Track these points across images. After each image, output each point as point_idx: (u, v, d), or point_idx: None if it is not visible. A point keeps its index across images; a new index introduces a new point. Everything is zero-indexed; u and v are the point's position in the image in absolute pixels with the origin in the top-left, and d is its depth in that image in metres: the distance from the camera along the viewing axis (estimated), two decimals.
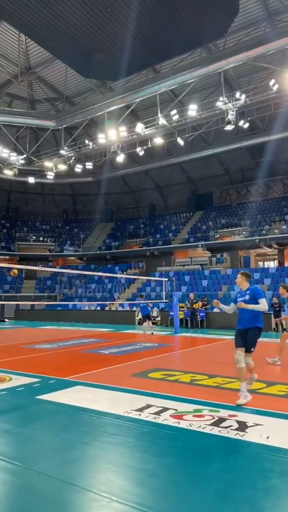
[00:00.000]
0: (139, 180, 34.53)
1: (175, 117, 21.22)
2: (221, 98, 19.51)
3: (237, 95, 19.63)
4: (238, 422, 4.33)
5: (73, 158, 25.07)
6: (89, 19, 12.43)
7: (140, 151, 23.75)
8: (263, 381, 6.21)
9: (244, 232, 26.96)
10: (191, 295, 17.77)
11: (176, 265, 28.17)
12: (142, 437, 3.97)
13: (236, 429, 4.09)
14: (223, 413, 4.65)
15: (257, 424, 4.24)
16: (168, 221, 33.41)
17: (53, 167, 25.91)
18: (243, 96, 19.67)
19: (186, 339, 13.59)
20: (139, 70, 19.25)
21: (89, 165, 25.70)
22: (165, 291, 16.00)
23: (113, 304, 23.95)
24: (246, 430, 4.05)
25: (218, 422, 4.32)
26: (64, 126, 23.12)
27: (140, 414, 4.64)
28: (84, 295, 26.98)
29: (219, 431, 4.03)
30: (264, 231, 25.92)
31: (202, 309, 17.95)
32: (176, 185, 34.47)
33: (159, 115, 20.85)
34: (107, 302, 24.36)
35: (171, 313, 17.42)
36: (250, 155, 29.42)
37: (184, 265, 27.58)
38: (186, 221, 32.54)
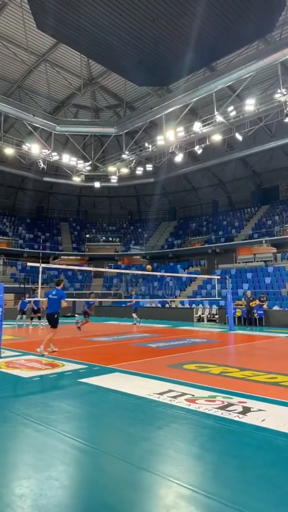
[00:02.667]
0: (201, 177, 34.55)
1: (233, 113, 21.05)
2: (278, 90, 18.97)
3: None
4: (244, 407, 4.71)
5: (134, 161, 26.15)
6: (138, 32, 13.16)
7: (198, 149, 23.95)
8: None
9: None
10: (248, 293, 17.67)
11: (239, 262, 27.82)
12: (152, 414, 4.59)
13: (238, 412, 4.50)
14: (235, 400, 5.05)
15: (260, 410, 4.59)
16: (231, 217, 32.99)
17: (116, 171, 27.27)
18: None
19: (237, 336, 13.71)
20: (189, 74, 19.57)
21: (149, 167, 26.59)
22: (217, 288, 16.12)
23: (174, 301, 24.55)
24: (247, 414, 4.44)
25: (226, 406, 4.75)
26: (125, 131, 24.30)
27: (159, 397, 5.24)
28: (147, 292, 27.98)
29: (221, 413, 4.48)
30: None
31: (261, 306, 17.70)
32: (240, 180, 33.83)
33: (216, 112, 20.90)
34: (168, 299, 25.05)
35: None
36: None
37: (246, 262, 27.11)
38: (250, 217, 31.82)
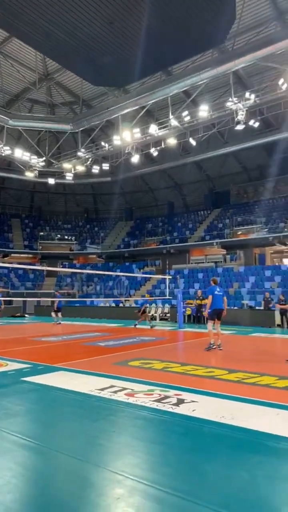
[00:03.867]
0: (157, 178, 35.13)
1: (187, 118, 21.65)
2: (230, 99, 19.82)
3: (247, 95, 19.85)
4: (178, 399, 5.00)
5: (90, 159, 26.05)
6: (94, 33, 13.21)
7: (154, 151, 24.37)
8: (225, 368, 6.81)
9: (259, 230, 27.01)
10: (199, 292, 18.29)
11: (192, 263, 28.64)
12: (91, 408, 4.74)
13: (172, 404, 4.77)
14: (171, 392, 5.32)
15: (193, 401, 4.89)
16: (186, 219, 33.87)
17: (71, 168, 27.00)
18: (253, 96, 19.86)
19: (185, 333, 14.21)
20: (144, 77, 19.87)
21: (105, 166, 26.59)
22: (169, 288, 16.60)
23: (128, 300, 24.79)
24: (180, 405, 4.72)
25: (162, 399, 5.01)
26: (81, 129, 24.13)
27: (100, 392, 5.39)
28: (101, 292, 28.00)
29: (157, 405, 4.73)
30: (278, 229, 25.89)
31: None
32: (194, 183, 34.80)
33: (171, 116, 21.38)
34: (123, 299, 25.25)
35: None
36: (266, 152, 29.33)
37: (198, 263, 27.99)
38: (203, 219, 32.86)
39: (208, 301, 9.63)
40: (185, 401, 4.92)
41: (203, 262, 27.99)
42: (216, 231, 29.34)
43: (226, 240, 27.53)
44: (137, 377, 6.32)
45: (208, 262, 27.88)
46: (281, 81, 18.66)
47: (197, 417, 4.27)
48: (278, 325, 16.58)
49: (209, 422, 4.12)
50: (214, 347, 9.44)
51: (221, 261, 27.32)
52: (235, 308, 19.30)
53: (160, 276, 22.31)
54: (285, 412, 4.42)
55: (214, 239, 28.25)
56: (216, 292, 9.44)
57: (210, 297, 9.44)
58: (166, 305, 21.64)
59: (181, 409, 4.57)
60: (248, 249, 27.37)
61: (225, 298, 9.71)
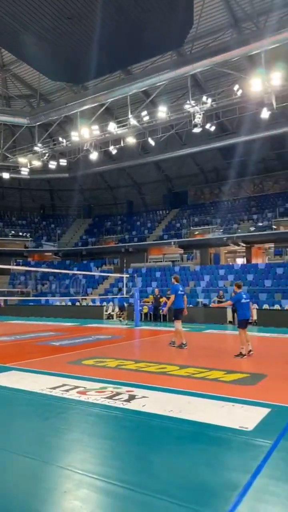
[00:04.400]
0: (117, 177, 35.11)
1: (146, 118, 21.84)
2: (188, 102, 20.27)
3: (204, 98, 20.39)
4: (130, 395, 5.12)
5: (47, 154, 25.50)
6: (51, 26, 12.98)
7: (113, 149, 24.34)
8: (177, 365, 7.03)
9: (215, 230, 27.86)
10: (156, 291, 18.56)
11: (150, 262, 28.96)
12: (42, 407, 4.73)
13: (124, 400, 4.88)
14: (123, 389, 5.43)
15: (144, 397, 5.03)
16: (144, 218, 34.15)
17: (27, 163, 26.28)
18: (210, 100, 20.44)
19: (141, 331, 14.40)
20: (103, 75, 19.81)
21: (63, 162, 26.15)
22: (127, 287, 16.72)
23: (85, 299, 24.61)
24: (131, 401, 4.84)
25: (114, 396, 5.10)
26: (38, 123, 23.54)
27: (51, 391, 5.38)
28: (57, 290, 27.54)
29: (108, 402, 4.81)
30: (232, 230, 26.89)
31: (166, 303, 18.74)
32: (153, 183, 35.17)
33: (130, 115, 21.46)
34: (79, 297, 25.02)
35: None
36: (222, 155, 30.30)
37: (156, 262, 28.38)
38: (161, 219, 33.32)
39: (170, 300, 9.55)
40: (136, 397, 5.04)
41: (161, 261, 28.42)
42: (174, 231, 29.87)
43: (183, 239, 28.12)
44: (90, 375, 6.37)
45: (165, 261, 28.34)
46: (236, 87, 19.35)
47: (147, 412, 4.41)
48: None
49: (158, 416, 4.27)
50: (186, 347, 9.32)
51: (178, 260, 27.88)
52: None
53: (118, 275, 22.37)
54: (229, 404, 4.67)
55: (172, 238, 28.75)
56: (179, 292, 9.44)
57: (173, 296, 9.37)
58: (124, 303, 21.71)
59: (132, 405, 4.69)
60: (204, 248, 28.15)
61: (185, 297, 9.73)
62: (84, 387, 5.56)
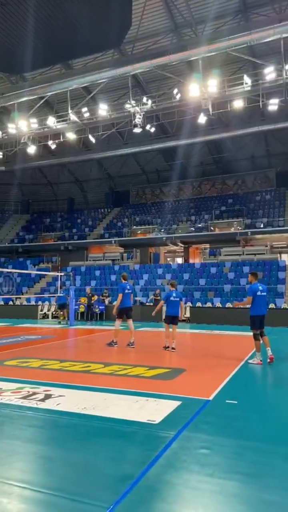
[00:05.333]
0: (57, 172, 34.30)
1: (86, 115, 21.59)
2: (128, 101, 20.40)
3: (144, 99, 20.65)
4: (46, 394, 5.05)
5: None
6: None
7: (52, 144, 23.74)
8: (102, 362, 7.07)
9: (156, 230, 28.33)
10: (88, 289, 18.40)
11: (89, 260, 28.69)
12: None
13: (39, 400, 4.80)
14: (41, 389, 5.33)
15: (60, 396, 5.00)
16: (86, 216, 33.75)
17: None
18: (150, 101, 20.76)
19: (75, 331, 14.24)
20: (41, 67, 19.32)
21: None
22: (63, 285, 16.42)
23: (19, 298, 23.73)
24: (46, 400, 4.78)
25: (29, 396, 4.99)
26: None
27: None
28: None
29: (22, 402, 4.70)
30: (171, 230, 27.57)
31: (103, 302, 18.72)
32: (95, 181, 34.88)
33: (70, 111, 21.08)
34: (14, 296, 24.07)
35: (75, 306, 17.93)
36: (163, 157, 30.94)
37: (96, 260, 28.20)
38: (103, 217, 33.17)
39: (118, 299, 9.32)
40: (52, 396, 4.99)
41: (101, 260, 28.28)
42: (115, 230, 29.90)
43: (124, 238, 28.24)
44: (9, 376, 6.17)
45: (106, 259, 28.26)
46: (175, 90, 19.85)
47: (59, 410, 4.38)
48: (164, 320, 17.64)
49: (70, 414, 4.26)
50: (116, 345, 9.31)
51: (118, 259, 27.94)
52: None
53: (54, 273, 21.87)
54: (144, 399, 4.79)
55: (113, 237, 28.75)
56: (126, 291, 9.27)
57: (120, 295, 9.18)
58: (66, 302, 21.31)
59: (46, 404, 4.63)
60: (144, 248, 28.51)
61: (132, 295, 9.62)
62: (0, 388, 5.37)
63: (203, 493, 2.65)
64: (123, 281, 9.56)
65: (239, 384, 5.90)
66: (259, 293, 7.34)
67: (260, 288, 7.40)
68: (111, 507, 2.42)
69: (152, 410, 4.36)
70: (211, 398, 4.92)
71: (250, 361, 7.46)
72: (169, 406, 4.51)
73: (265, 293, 7.54)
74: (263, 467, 3.02)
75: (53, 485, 2.73)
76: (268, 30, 15.50)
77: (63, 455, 3.27)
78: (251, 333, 7.51)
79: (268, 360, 7.12)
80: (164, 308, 16.32)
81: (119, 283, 9.56)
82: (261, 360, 7.26)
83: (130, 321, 9.50)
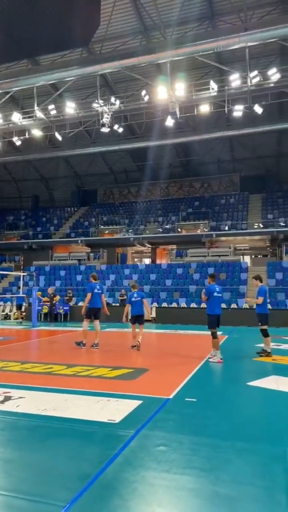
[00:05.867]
0: (22, 169, 33.46)
1: (53, 112, 21.25)
2: (96, 100, 20.30)
3: (112, 99, 20.63)
4: (6, 396, 4.95)
5: None
6: None
7: (16, 140, 23.15)
8: (65, 364, 7.01)
9: (123, 231, 28.34)
10: (50, 290, 18.10)
11: (54, 260, 28.24)
12: None
13: None
14: (0, 391, 5.21)
15: (20, 397, 4.92)
16: (51, 214, 33.19)
17: None
18: (118, 102, 20.77)
19: (37, 332, 13.99)
20: (8, 61, 18.86)
21: None
22: (27, 285, 16.07)
23: None
24: (5, 402, 4.69)
25: None
26: None
27: None
28: None
29: None
30: (139, 231, 27.70)
31: (67, 302, 18.49)
32: (62, 179, 34.31)
33: (36, 107, 20.66)
34: None
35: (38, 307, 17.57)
36: (131, 158, 31.01)
37: (61, 260, 27.79)
38: (69, 216, 32.77)
39: (86, 299, 9.21)
40: (12, 398, 4.90)
41: (67, 260, 27.90)
42: (82, 229, 29.62)
43: (91, 238, 28.04)
44: None
45: (71, 259, 27.91)
46: (143, 92, 19.96)
47: (18, 412, 4.32)
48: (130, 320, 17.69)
49: (30, 415, 4.21)
50: (84, 347, 9.19)
51: (84, 259, 27.69)
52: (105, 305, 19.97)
53: (16, 273, 21.34)
54: (105, 399, 4.82)
55: (80, 236, 28.47)
56: (95, 290, 9.19)
57: (89, 294, 9.11)
58: (23, 303, 20.81)
59: (5, 406, 4.54)
60: (111, 248, 28.46)
61: (103, 295, 9.57)
62: None
63: (158, 489, 2.72)
64: (93, 281, 9.54)
65: (199, 382, 6.05)
66: (215, 294, 7.64)
67: (217, 289, 7.73)
68: (67, 506, 2.43)
69: (113, 410, 4.40)
70: (171, 396, 5.02)
71: (210, 359, 7.67)
72: (130, 405, 4.56)
73: (220, 295, 7.90)
74: (217, 462, 3.14)
75: (10, 486, 2.70)
76: (233, 38, 15.93)
77: (21, 457, 3.24)
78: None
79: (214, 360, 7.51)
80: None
81: (88, 283, 9.50)
82: (221, 358, 7.50)
83: (97, 322, 9.45)
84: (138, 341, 8.87)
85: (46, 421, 4.03)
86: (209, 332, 7.75)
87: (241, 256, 26.90)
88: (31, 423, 3.99)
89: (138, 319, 9.21)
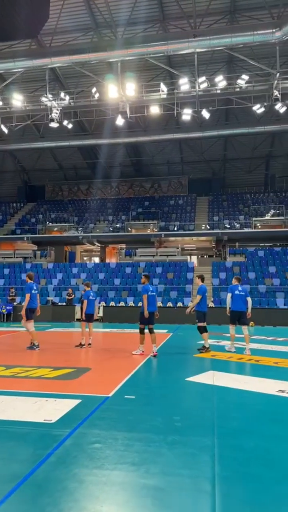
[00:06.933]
0: None
1: None
2: (45, 94, 19.81)
3: (62, 95, 20.24)
4: None
5: None
6: None
7: None
8: (3, 365, 6.80)
9: (72, 229, 27.88)
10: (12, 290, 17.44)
11: None
12: None
13: None
14: None
15: None
16: None
17: None
18: (67, 97, 20.42)
19: None
20: None
21: None
22: None
23: None
24: None
25: None
26: None
27: None
28: None
29: None
30: (88, 229, 27.44)
31: (11, 302, 17.88)
32: (7, 173, 33.04)
33: None
34: None
35: None
36: (82, 155, 30.63)
37: (5, 258, 26.72)
38: (15, 212, 31.63)
39: (26, 299, 8.95)
40: None
41: (11, 257, 26.89)
42: (28, 226, 28.71)
43: (38, 235, 27.29)
44: None
45: (17, 257, 26.94)
46: (94, 89, 19.79)
47: None
48: (78, 320, 17.49)
49: None
50: (38, 348, 8.83)
51: (30, 257, 26.87)
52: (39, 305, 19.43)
53: None
54: (43, 400, 4.75)
55: (26, 233, 27.58)
56: (33, 291, 9.03)
57: (28, 295, 8.90)
58: None
59: None
60: (59, 246, 27.88)
61: (38, 294, 9.45)
62: None
63: (88, 485, 2.76)
64: (29, 280, 9.31)
65: (140, 379, 6.18)
66: (150, 292, 8.17)
67: (151, 288, 8.29)
68: None
69: (51, 410, 4.36)
70: (110, 394, 5.08)
71: (133, 352, 8.27)
72: (68, 405, 4.54)
73: (154, 293, 8.46)
74: (148, 456, 3.25)
75: None
76: (183, 43, 16.38)
77: None
78: (159, 331, 7.94)
79: (153, 355, 8.00)
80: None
81: (26, 283, 9.30)
82: (142, 352, 8.19)
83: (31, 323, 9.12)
84: (89, 343, 9.34)
85: None
86: (157, 330, 8.22)
87: (188, 256, 27.69)
88: None
89: (91, 317, 9.48)
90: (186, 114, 19.96)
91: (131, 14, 18.91)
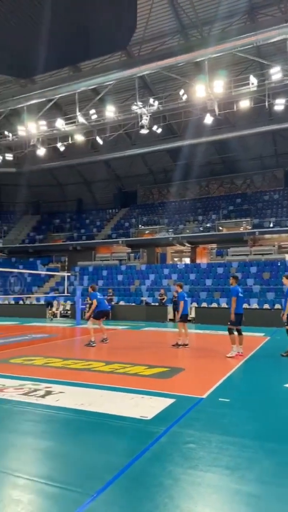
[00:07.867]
0: (67, 174, 34.62)
1: (94, 116, 21.83)
2: (135, 103, 20.58)
3: (151, 101, 20.80)
4: (47, 391, 5.27)
5: None
6: None
7: (60, 146, 24.04)
8: (103, 361, 7.28)
9: (163, 230, 28.47)
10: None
11: (97, 260, 28.97)
12: None
13: (39, 396, 5.03)
14: (42, 386, 5.56)
15: (61, 392, 5.21)
16: (94, 216, 34.07)
17: None
18: (156, 103, 20.90)
19: (81, 330, 14.44)
20: (51, 70, 19.50)
21: (9, 157, 25.42)
22: (72, 285, 16.69)
23: (29, 297, 24.13)
24: (46, 397, 5.00)
25: (30, 392, 5.22)
26: None
27: None
28: (1, 288, 26.72)
29: (22, 398, 4.93)
30: (178, 230, 27.67)
31: (109, 302, 18.93)
32: (103, 181, 35.11)
33: (78, 113, 21.34)
34: (24, 296, 24.49)
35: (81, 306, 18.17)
36: (171, 157, 30.99)
37: (103, 260, 28.44)
38: (111, 217, 33.44)
39: (93, 305, 10.04)
40: (52, 392, 5.20)
41: (108, 260, 28.53)
42: (122, 230, 30.13)
43: (131, 239, 28.46)
44: (13, 373, 6.41)
45: (113, 259, 28.50)
46: (181, 91, 19.92)
47: (57, 406, 4.59)
48: (171, 320, 17.79)
49: (67, 409, 4.47)
50: (94, 344, 9.73)
51: (125, 259, 28.15)
52: (133, 304, 20.29)
53: (61, 273, 22.19)
54: (139, 396, 4.97)
55: (121, 237, 28.99)
56: (99, 296, 10.25)
57: (95, 301, 9.97)
58: (68, 301, 21.65)
59: (46, 400, 4.84)
60: (151, 248, 28.67)
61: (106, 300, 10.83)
62: (3, 385, 5.61)
63: (183, 484, 2.82)
64: (92, 291, 10.40)
65: (235, 383, 6.04)
66: (240, 294, 8.72)
67: (240, 290, 8.81)
68: (95, 495, 2.61)
69: (146, 407, 4.54)
70: (205, 396, 5.07)
71: (227, 355, 8.17)
72: (163, 403, 4.67)
73: (242, 295, 8.90)
74: (242, 461, 3.17)
75: (42, 473, 2.93)
76: (273, 31, 15.48)
77: (54, 448, 3.47)
78: (255, 334, 7.67)
79: (239, 355, 8.18)
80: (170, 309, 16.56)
81: (91, 293, 10.29)
82: (238, 353, 8.23)
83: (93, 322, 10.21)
84: (186, 343, 9.63)
85: (82, 415, 4.26)
86: (250, 333, 8.01)
87: (286, 255, 25.96)
88: (67, 417, 4.24)
89: (187, 318, 9.91)
90: (279, 104, 18.84)
91: (218, 10, 18.56)
